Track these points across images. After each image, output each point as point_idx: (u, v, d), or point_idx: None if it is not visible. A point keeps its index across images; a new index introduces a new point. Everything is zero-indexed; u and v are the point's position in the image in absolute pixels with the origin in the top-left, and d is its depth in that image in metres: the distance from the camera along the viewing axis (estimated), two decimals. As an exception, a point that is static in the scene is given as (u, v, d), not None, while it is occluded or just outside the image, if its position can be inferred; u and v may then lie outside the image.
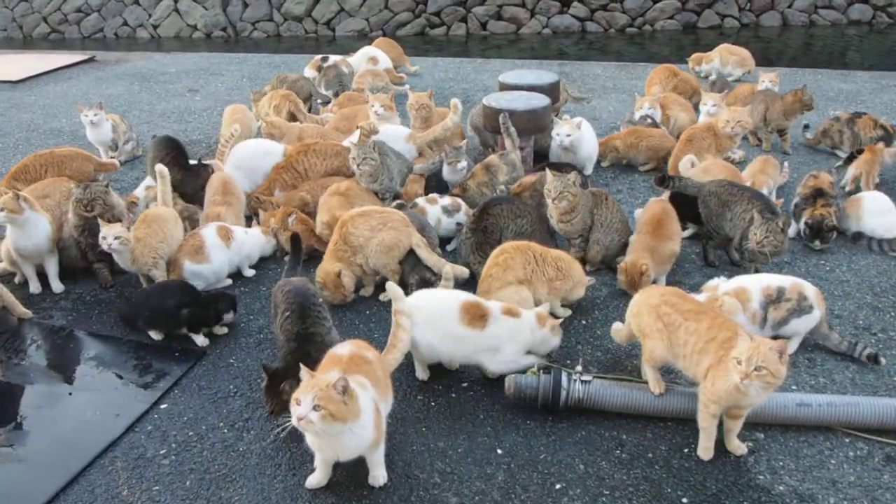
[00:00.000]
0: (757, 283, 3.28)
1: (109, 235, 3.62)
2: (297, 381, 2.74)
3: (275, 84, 6.80)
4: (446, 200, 4.28)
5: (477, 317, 2.99)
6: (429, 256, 3.72)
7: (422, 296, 3.14)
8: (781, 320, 3.22)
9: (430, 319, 2.99)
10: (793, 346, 3.29)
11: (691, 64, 7.95)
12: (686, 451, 2.77)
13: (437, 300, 3.12)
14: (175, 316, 3.46)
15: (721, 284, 3.33)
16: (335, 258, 3.76)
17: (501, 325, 3.02)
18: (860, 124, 5.42)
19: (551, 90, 5.43)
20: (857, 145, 5.39)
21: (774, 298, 3.21)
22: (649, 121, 5.68)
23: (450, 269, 3.64)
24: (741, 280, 3.34)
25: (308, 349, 2.88)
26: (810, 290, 3.25)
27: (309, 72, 7.50)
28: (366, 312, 3.74)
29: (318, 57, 7.59)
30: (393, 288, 2.91)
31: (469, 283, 3.75)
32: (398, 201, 4.27)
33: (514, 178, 4.56)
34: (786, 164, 4.97)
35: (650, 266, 3.65)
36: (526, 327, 3.06)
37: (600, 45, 12.73)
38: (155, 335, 3.54)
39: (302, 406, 2.27)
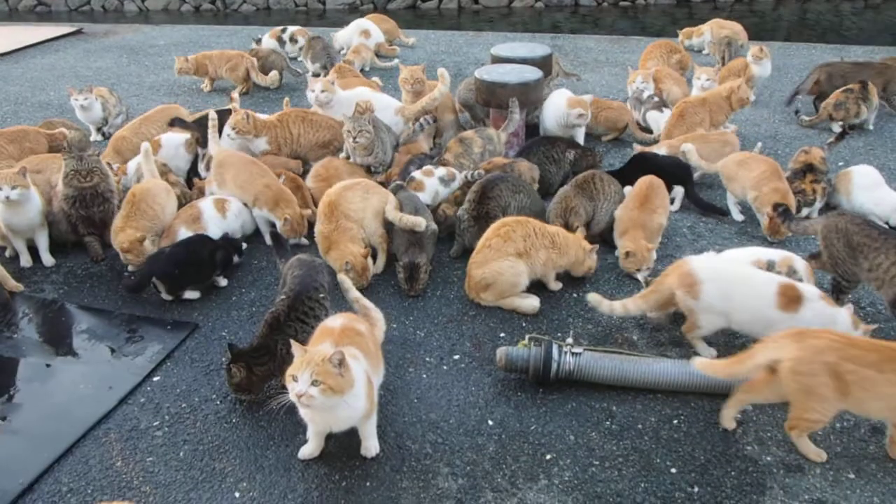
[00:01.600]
0: (747, 257, 3.29)
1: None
2: (245, 365, 2.79)
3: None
4: (442, 171, 4.26)
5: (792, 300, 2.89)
6: (389, 210, 3.78)
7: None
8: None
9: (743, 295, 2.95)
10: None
11: (681, 38, 7.89)
12: (675, 422, 2.80)
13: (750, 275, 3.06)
14: (211, 263, 3.65)
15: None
16: (350, 240, 3.71)
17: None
18: (871, 92, 5.51)
19: (544, 63, 5.39)
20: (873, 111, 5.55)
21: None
22: (656, 99, 5.64)
23: (400, 217, 3.71)
24: (731, 254, 3.35)
25: (276, 339, 2.84)
26: (800, 263, 3.27)
27: (268, 41, 7.62)
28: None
29: (279, 28, 7.82)
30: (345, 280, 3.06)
31: (462, 259, 3.77)
32: (397, 182, 4.16)
33: (491, 152, 4.55)
34: (759, 144, 5.07)
35: (646, 239, 3.71)
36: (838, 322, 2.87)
37: (593, 18, 12.63)
38: (165, 295, 3.60)
39: (300, 383, 2.27)
